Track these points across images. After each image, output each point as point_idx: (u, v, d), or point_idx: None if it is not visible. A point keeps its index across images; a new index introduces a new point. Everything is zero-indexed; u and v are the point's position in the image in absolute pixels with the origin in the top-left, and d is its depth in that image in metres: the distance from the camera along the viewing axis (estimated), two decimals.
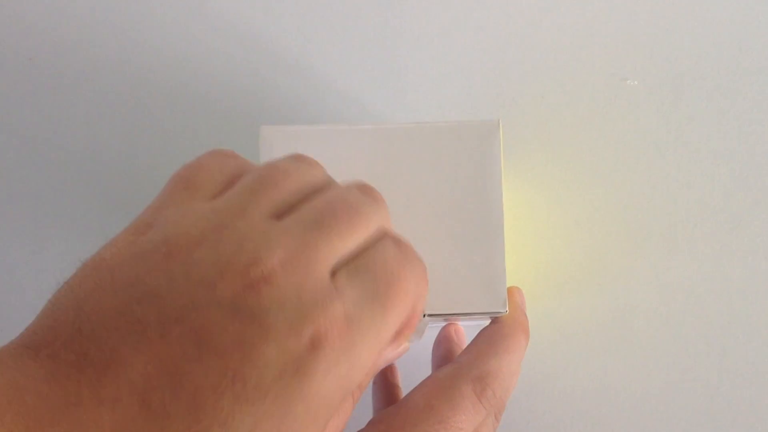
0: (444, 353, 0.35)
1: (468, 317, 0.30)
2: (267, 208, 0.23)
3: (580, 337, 0.40)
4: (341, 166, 0.30)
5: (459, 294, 0.29)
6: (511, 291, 0.31)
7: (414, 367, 0.36)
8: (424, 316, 0.29)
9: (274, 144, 0.31)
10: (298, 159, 0.26)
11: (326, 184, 0.25)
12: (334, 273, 0.22)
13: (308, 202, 0.24)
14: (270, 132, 0.31)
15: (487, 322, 0.32)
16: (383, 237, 0.24)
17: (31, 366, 0.18)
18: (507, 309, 0.29)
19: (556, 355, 0.40)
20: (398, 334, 0.25)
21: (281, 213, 0.23)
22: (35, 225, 0.42)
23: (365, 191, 0.26)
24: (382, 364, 0.26)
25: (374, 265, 0.23)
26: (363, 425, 0.28)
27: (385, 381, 0.36)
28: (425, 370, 0.33)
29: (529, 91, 0.42)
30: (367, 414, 0.36)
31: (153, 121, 0.43)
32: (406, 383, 0.36)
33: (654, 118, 0.42)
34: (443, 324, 0.36)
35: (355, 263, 0.23)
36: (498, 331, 0.30)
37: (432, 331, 0.37)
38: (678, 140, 0.42)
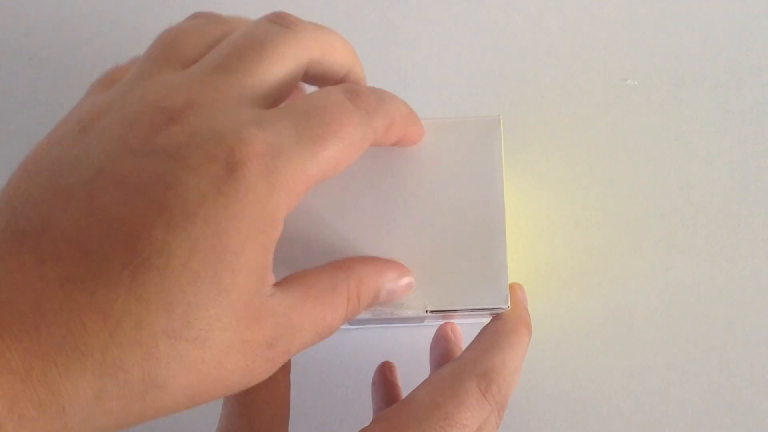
0: (442, 352, 0.35)
1: (469, 313, 0.30)
2: (169, 67, 0.24)
3: (580, 336, 0.40)
4: None
5: (460, 290, 0.29)
6: (512, 287, 0.31)
7: (413, 367, 0.36)
8: (426, 312, 0.29)
9: None
10: (195, 16, 0.27)
11: (234, 30, 0.26)
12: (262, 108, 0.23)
13: (214, 49, 0.25)
14: None
15: (487, 320, 0.32)
16: (336, 86, 0.25)
17: None
18: (509, 304, 0.29)
19: (556, 355, 0.40)
20: None
21: (186, 66, 0.24)
22: None
23: (278, 20, 0.26)
24: (384, 297, 0.27)
25: (311, 106, 0.24)
26: (366, 424, 0.28)
27: (384, 380, 0.36)
28: (424, 370, 0.33)
29: (529, 91, 0.43)
30: (367, 414, 0.36)
31: None
32: (405, 383, 0.36)
33: (654, 118, 0.42)
34: (441, 322, 0.36)
35: (291, 103, 0.24)
36: (501, 328, 0.30)
37: (430, 330, 0.37)
38: (678, 140, 0.42)
